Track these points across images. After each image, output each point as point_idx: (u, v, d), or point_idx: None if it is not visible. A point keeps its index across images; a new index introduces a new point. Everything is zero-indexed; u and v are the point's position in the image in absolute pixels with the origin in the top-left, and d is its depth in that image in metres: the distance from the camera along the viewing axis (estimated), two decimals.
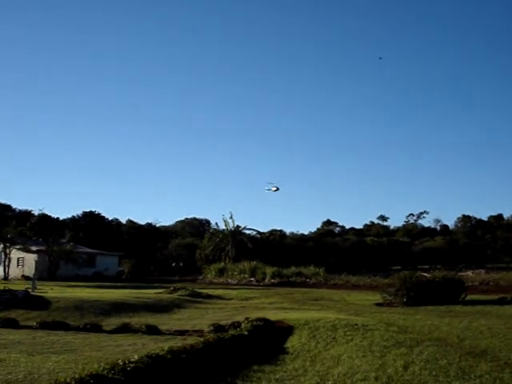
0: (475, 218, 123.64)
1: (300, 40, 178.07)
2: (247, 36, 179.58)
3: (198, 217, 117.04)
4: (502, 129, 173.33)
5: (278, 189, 75.83)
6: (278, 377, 10.13)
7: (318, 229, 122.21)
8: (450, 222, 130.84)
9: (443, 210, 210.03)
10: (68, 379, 7.40)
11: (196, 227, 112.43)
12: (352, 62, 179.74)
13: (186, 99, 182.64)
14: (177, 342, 12.51)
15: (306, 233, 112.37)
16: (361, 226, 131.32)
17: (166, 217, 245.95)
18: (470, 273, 47.57)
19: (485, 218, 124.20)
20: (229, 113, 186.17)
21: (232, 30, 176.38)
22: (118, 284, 47.92)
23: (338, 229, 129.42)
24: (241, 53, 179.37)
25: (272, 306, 25.67)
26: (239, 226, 79.23)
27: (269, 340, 13.89)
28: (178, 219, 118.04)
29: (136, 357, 9.00)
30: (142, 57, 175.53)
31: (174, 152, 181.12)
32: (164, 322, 19.06)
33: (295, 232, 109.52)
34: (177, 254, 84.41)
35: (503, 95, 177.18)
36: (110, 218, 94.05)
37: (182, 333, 15.69)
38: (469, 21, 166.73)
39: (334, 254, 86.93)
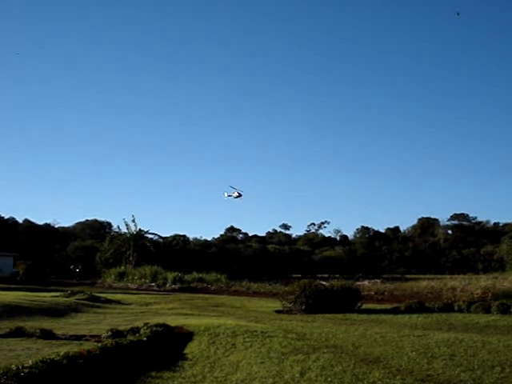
0: (373, 229, 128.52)
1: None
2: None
3: (99, 219, 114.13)
4: (401, 143, 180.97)
5: (240, 195, 61.49)
6: (176, 383, 10.13)
7: (221, 235, 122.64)
8: (350, 233, 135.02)
9: (343, 221, 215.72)
10: None
11: (97, 229, 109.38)
12: None
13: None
14: (73, 347, 12.22)
15: (209, 239, 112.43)
16: (263, 234, 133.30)
17: (65, 217, 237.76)
18: (366, 282, 49.14)
19: (382, 230, 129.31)
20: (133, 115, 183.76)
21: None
22: (12, 286, 46.05)
23: (241, 236, 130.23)
24: None
25: (172, 312, 25.53)
26: (141, 230, 77.82)
27: (168, 346, 13.81)
28: (78, 220, 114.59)
29: (30, 362, 8.75)
30: None
31: (74, 151, 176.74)
32: (60, 326, 18.55)
33: (198, 238, 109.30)
34: (76, 257, 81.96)
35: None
36: (5, 217, 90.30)
37: (78, 338, 15.32)
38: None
39: (237, 260, 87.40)
